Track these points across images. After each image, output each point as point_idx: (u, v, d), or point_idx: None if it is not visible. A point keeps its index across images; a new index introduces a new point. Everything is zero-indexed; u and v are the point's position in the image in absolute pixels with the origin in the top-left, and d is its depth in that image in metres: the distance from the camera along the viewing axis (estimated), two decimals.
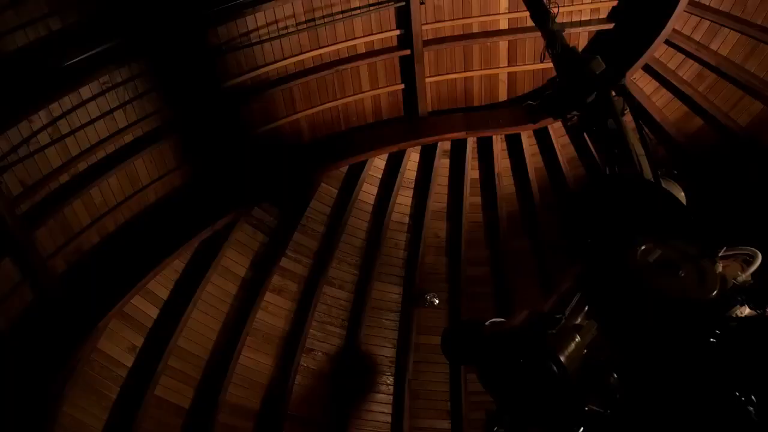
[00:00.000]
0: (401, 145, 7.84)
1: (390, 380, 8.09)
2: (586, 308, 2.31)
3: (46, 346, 5.98)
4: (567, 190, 7.85)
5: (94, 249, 6.52)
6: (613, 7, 7.14)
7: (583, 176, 7.86)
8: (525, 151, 7.93)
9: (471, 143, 8.01)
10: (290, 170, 7.41)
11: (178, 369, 7.05)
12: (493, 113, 7.81)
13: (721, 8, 6.57)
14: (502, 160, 8.11)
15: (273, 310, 7.74)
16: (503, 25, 7.25)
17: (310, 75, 7.04)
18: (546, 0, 4.31)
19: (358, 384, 8.07)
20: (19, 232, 5.64)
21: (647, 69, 7.24)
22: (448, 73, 7.57)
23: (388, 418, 7.95)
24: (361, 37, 6.99)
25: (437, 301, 8.12)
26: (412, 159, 8.23)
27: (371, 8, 6.75)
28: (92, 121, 5.92)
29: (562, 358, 2.07)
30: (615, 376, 2.11)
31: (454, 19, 7.11)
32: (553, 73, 4.12)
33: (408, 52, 7.18)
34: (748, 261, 2.43)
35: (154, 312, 6.96)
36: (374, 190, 8.23)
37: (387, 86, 7.54)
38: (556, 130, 7.82)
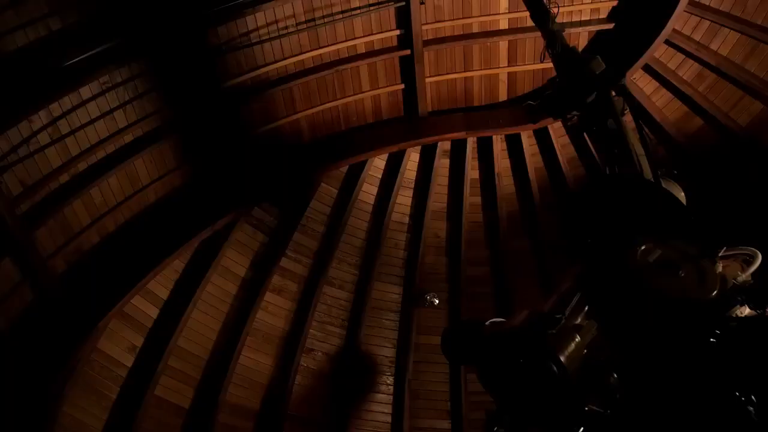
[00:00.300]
0: (401, 145, 7.84)
1: (390, 380, 8.09)
2: (586, 308, 2.31)
3: (46, 346, 5.98)
4: (567, 190, 7.85)
5: (94, 249, 6.52)
6: (613, 7, 7.14)
7: (583, 176, 7.85)
8: (525, 151, 7.93)
9: (471, 143, 8.01)
10: (290, 170, 7.41)
11: (178, 369, 7.05)
12: (493, 113, 7.81)
13: (721, 8, 6.57)
14: (502, 160, 8.11)
15: (273, 310, 7.74)
16: (503, 25, 7.25)
17: (310, 75, 7.04)
18: (546, 0, 4.31)
19: (358, 384, 8.07)
20: (19, 232, 5.63)
21: (647, 69, 7.24)
22: (448, 73, 7.57)
23: (388, 418, 7.95)
24: (361, 37, 6.99)
25: (437, 301, 8.12)
26: (412, 159, 8.23)
27: (371, 8, 6.75)
28: (92, 121, 5.92)
29: (562, 358, 2.06)
30: (615, 376, 2.11)
31: (454, 19, 7.11)
32: (553, 73, 4.12)
33: (408, 52, 7.18)
34: (748, 261, 2.43)
35: (154, 312, 6.96)
36: (374, 190, 8.23)
37: (387, 86, 7.54)
38: (556, 130, 7.82)
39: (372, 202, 8.24)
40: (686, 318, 2.05)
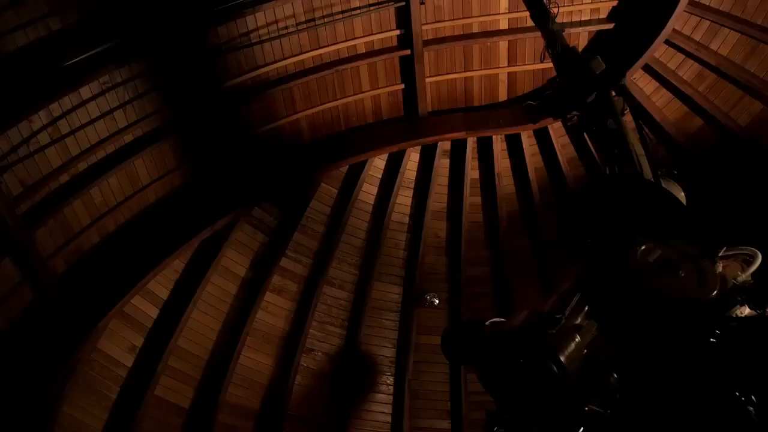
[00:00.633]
0: (401, 145, 7.84)
1: (390, 380, 8.09)
2: (586, 308, 2.31)
3: (46, 346, 5.98)
4: (567, 190, 7.85)
5: (94, 249, 6.52)
6: (613, 7, 7.14)
7: (583, 176, 7.85)
8: (525, 151, 7.93)
9: (471, 143, 8.01)
10: (290, 170, 7.41)
11: (178, 369, 7.05)
12: (493, 113, 7.81)
13: (721, 8, 6.57)
14: (502, 160, 8.11)
15: (273, 310, 7.74)
16: (503, 25, 7.25)
17: (310, 75, 7.04)
18: (546, 0, 4.31)
19: (358, 384, 8.07)
20: (19, 232, 5.63)
21: (647, 69, 7.24)
22: (448, 73, 7.57)
23: (388, 418, 7.95)
24: (361, 37, 6.99)
25: (437, 301, 8.12)
26: (412, 159, 8.23)
27: (371, 8, 6.75)
28: (92, 121, 5.92)
29: (562, 358, 2.06)
30: (615, 376, 2.11)
31: (454, 19, 7.11)
32: (553, 73, 4.12)
33: (408, 52, 7.18)
34: (748, 261, 2.43)
35: (154, 312, 6.96)
36: (374, 190, 8.23)
37: (387, 86, 7.54)
38: (556, 130, 7.82)
39: (372, 202, 8.24)
40: (686, 318, 2.05)
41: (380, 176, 8.23)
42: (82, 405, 6.32)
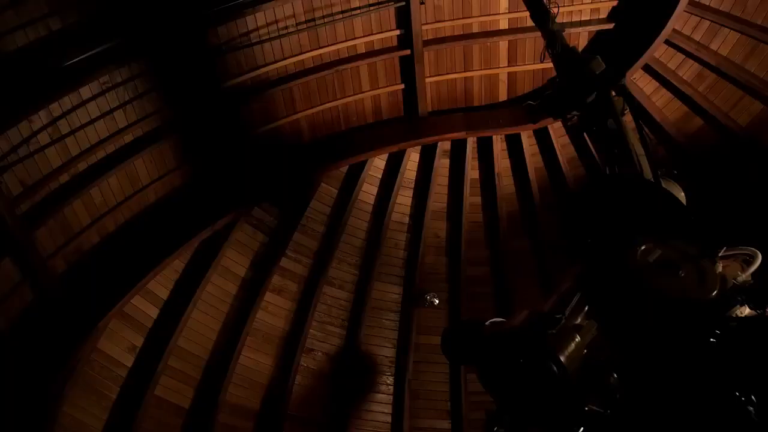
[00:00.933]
0: (401, 145, 7.84)
1: (390, 380, 8.09)
2: (586, 308, 2.31)
3: (46, 346, 5.98)
4: (567, 190, 7.85)
5: (94, 249, 6.52)
6: (613, 7, 7.14)
7: (583, 176, 7.85)
8: (525, 151, 7.93)
9: (471, 143, 8.01)
10: (290, 170, 7.41)
11: (178, 369, 7.05)
12: (493, 113, 7.81)
13: (721, 8, 6.57)
14: (502, 160, 8.11)
15: (273, 310, 7.74)
16: (503, 25, 7.25)
17: (310, 75, 7.04)
18: (546, 0, 4.31)
19: (358, 384, 8.07)
20: (19, 232, 5.63)
21: (647, 69, 7.24)
22: (448, 73, 7.57)
23: (388, 418, 7.95)
24: (361, 37, 6.99)
25: (437, 301, 8.12)
26: (412, 159, 8.23)
27: (371, 8, 6.75)
28: (92, 121, 5.92)
29: (562, 358, 2.06)
30: (615, 376, 2.11)
31: (454, 19, 7.11)
32: (553, 73, 4.12)
33: (408, 52, 7.18)
34: (748, 261, 2.43)
35: (154, 312, 6.96)
36: (374, 190, 8.23)
37: (387, 86, 7.54)
38: (556, 130, 7.82)
39: (372, 202, 8.24)
40: (686, 318, 2.05)
41: (380, 176, 8.23)
42: (82, 405, 6.32)
